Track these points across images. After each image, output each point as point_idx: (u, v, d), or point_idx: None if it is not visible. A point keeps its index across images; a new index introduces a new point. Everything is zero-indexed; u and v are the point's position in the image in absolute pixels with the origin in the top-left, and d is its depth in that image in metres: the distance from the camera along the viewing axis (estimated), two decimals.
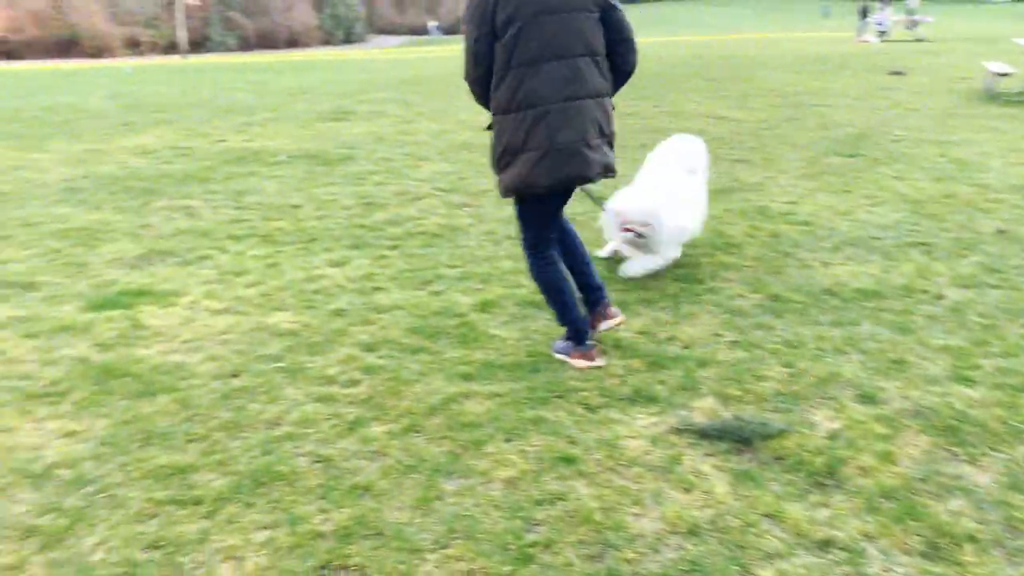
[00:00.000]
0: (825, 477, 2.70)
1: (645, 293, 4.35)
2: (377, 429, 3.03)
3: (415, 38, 61.80)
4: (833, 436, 2.94)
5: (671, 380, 3.38)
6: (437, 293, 4.43)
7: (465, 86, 3.38)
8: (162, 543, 2.39)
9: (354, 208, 6.36)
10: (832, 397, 3.23)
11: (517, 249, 5.16)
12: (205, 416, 3.12)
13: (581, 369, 3.49)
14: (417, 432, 3.01)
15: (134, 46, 32.78)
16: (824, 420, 3.05)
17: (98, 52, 32.79)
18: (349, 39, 56.84)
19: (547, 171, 3.23)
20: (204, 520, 2.50)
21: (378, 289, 4.51)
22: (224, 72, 21.97)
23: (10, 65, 28.76)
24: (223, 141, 9.66)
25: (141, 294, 4.42)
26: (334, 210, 6.29)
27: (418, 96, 14.44)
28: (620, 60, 3.38)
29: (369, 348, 3.74)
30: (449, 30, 69.11)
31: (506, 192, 3.39)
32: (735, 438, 2.91)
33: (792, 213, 5.93)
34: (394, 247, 5.31)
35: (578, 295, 3.66)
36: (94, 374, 3.47)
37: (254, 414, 3.14)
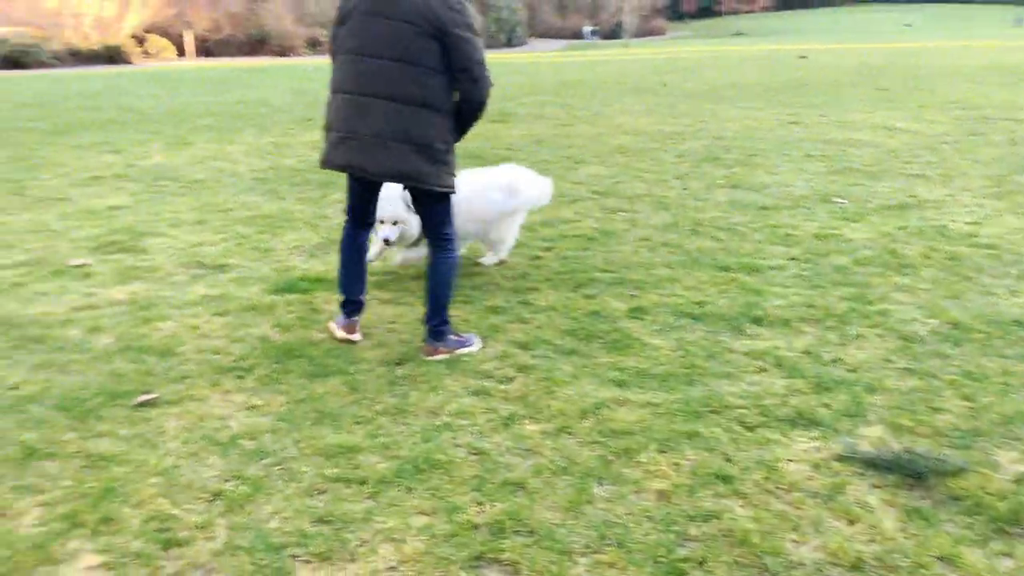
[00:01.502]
0: (1010, 524, 2.50)
1: (809, 311, 4.18)
2: (530, 427, 3.09)
3: (576, 42, 62.06)
4: (1020, 480, 2.71)
5: (836, 404, 3.23)
6: (590, 297, 4.45)
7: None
8: (330, 518, 2.54)
9: None
10: (1020, 438, 2.97)
11: (674, 256, 5.12)
12: (371, 400, 3.30)
13: (343, 337, 3.85)
14: (569, 434, 3.04)
15: (315, 46, 34.83)
16: (1010, 462, 2.82)
17: (283, 51, 35.17)
18: (511, 42, 57.89)
19: (340, 154, 3.52)
20: (368, 500, 2.63)
21: (532, 289, 4.59)
22: None
23: (208, 62, 31.36)
24: None
25: (318, 281, 4.72)
26: None
27: (577, 99, 14.53)
28: (460, 89, 3.49)
29: (523, 346, 3.81)
30: (608, 35, 68.79)
31: (320, 162, 3.68)
32: (906, 472, 2.74)
33: (975, 235, 5.51)
34: (548, 248, 5.38)
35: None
36: (274, 353, 3.75)
37: (416, 402, 3.28)
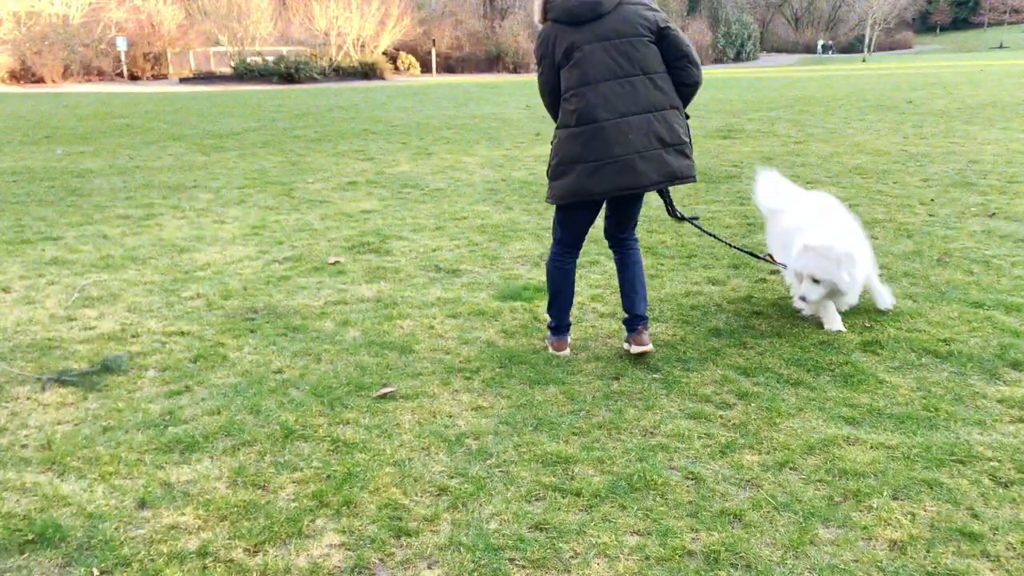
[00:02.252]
0: None
1: None
2: (750, 457, 2.99)
3: (808, 56, 59.08)
4: None
5: None
6: (820, 326, 4.23)
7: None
8: (546, 526, 2.61)
9: (735, 227, 6.32)
10: None
11: (915, 288, 4.75)
12: (588, 412, 3.36)
13: (553, 353, 3.94)
14: (792, 469, 2.91)
15: None
16: None
17: (516, 67, 36.92)
18: (740, 57, 56.21)
19: (600, 180, 3.59)
20: (582, 512, 2.68)
21: (757, 314, 4.44)
22: None
23: (449, 78, 33.51)
24: None
25: (540, 290, 4.89)
26: (715, 228, 6.32)
27: (810, 116, 13.83)
28: (682, 75, 3.68)
29: (744, 372, 3.70)
30: (844, 49, 64.77)
31: (558, 199, 3.74)
32: None
33: None
34: (775, 272, 5.17)
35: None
36: (499, 357, 3.93)
37: (631, 419, 3.30)
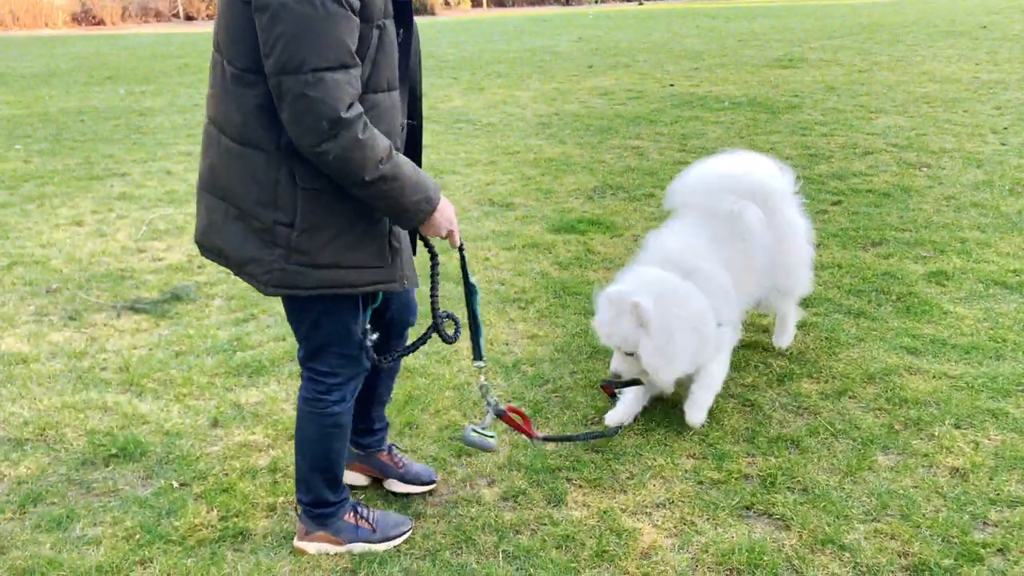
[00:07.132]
0: None
1: None
2: (808, 386, 2.99)
3: None
4: None
5: None
6: (884, 256, 4.14)
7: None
8: (602, 448, 2.67)
9: (796, 159, 6.16)
10: None
11: (984, 219, 4.58)
12: None
13: None
14: (851, 397, 2.90)
15: None
16: None
17: (567, 0, 35.94)
18: None
19: None
20: (638, 436, 2.73)
21: (817, 244, 4.34)
22: (676, 18, 22.46)
23: (500, 12, 32.96)
24: (672, 85, 9.98)
25: (593, 223, 4.87)
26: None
27: (876, 44, 13.23)
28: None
29: (804, 303, 3.65)
30: None
31: None
32: None
33: None
34: (837, 203, 5.06)
35: None
36: (553, 288, 3.96)
37: None
